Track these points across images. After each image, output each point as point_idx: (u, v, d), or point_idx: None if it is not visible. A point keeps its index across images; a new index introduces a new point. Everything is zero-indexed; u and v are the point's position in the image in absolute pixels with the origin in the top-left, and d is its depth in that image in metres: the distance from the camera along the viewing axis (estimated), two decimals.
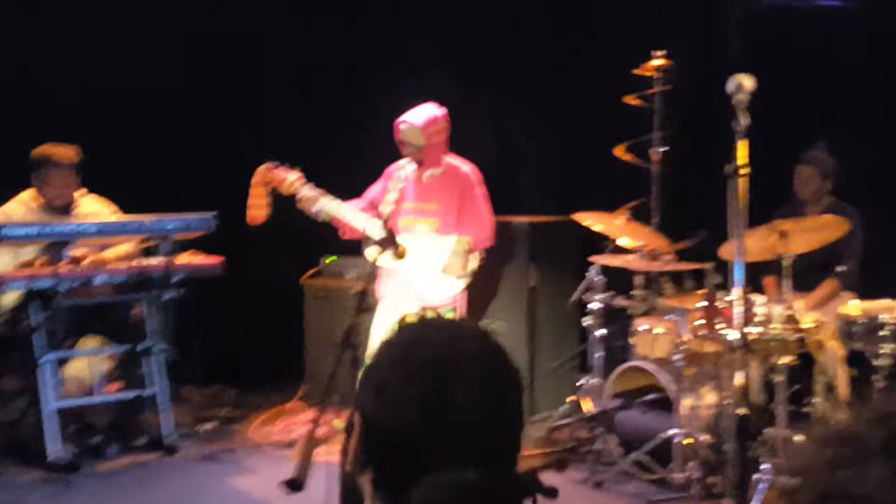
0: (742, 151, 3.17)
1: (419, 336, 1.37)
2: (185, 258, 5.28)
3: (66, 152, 5.25)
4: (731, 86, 3.24)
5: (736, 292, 3.41)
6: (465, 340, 1.36)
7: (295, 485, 3.61)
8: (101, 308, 5.25)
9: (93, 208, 5.40)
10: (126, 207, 5.44)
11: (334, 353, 3.85)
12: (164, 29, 6.38)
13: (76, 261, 5.01)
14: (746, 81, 3.22)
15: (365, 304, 3.97)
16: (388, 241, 4.32)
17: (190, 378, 6.05)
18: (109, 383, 5.27)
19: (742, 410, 3.55)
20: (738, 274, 3.31)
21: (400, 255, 4.58)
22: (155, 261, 5.19)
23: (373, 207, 5.06)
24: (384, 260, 4.80)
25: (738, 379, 3.60)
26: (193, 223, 5.21)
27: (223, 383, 6.32)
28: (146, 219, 5.18)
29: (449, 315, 5.24)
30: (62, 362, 5.11)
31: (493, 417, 1.32)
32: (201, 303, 5.56)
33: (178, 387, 5.73)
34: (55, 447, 4.85)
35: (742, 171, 3.15)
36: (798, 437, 4.23)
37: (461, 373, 1.31)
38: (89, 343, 5.26)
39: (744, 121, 3.18)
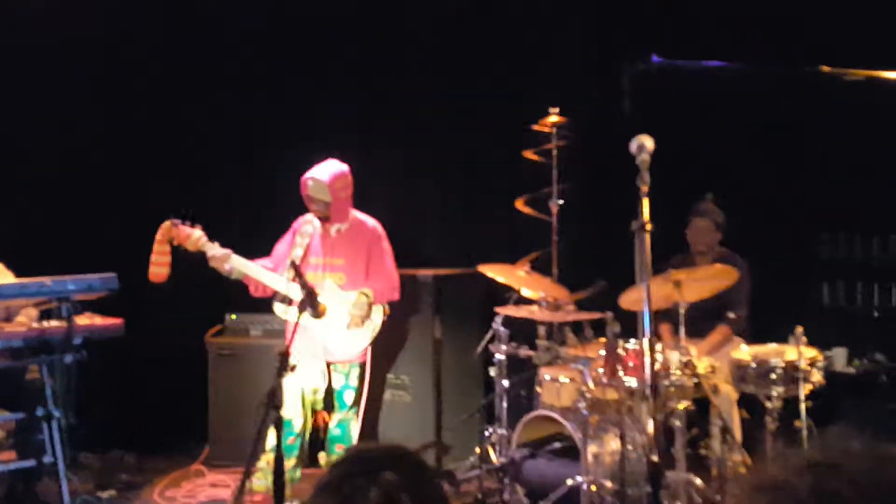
0: (646, 208, 3.28)
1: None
2: (86, 320, 5.20)
3: None
4: (634, 146, 3.35)
5: (645, 342, 3.47)
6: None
7: None
8: None
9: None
10: (24, 272, 5.33)
11: (258, 414, 3.85)
12: (59, 88, 6.30)
13: None
14: (647, 142, 3.34)
15: (286, 364, 3.97)
16: (309, 301, 4.33)
17: (89, 444, 5.93)
18: (3, 452, 5.13)
19: (654, 457, 3.64)
20: (646, 323, 3.37)
21: (320, 314, 4.65)
22: (55, 323, 5.09)
23: (281, 264, 5.11)
24: (291, 315, 4.85)
25: (648, 426, 3.68)
26: (95, 284, 5.11)
27: (124, 448, 6.22)
28: (46, 280, 5.09)
29: (355, 371, 5.32)
30: None
31: None
32: (102, 366, 5.46)
33: (76, 453, 5.62)
34: None
35: (647, 227, 3.25)
36: (699, 482, 4.41)
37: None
38: None
39: (646, 179, 3.30)
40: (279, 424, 3.93)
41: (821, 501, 1.11)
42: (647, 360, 3.35)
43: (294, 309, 4.83)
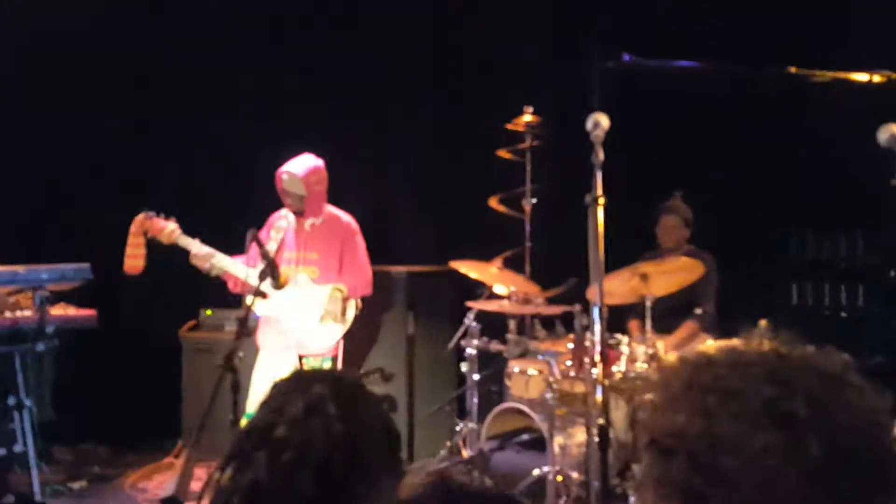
0: (599, 182, 3.29)
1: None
2: (59, 310, 5.22)
3: None
4: (589, 124, 3.37)
5: (596, 320, 3.45)
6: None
7: (173, 502, 3.65)
8: None
9: None
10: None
11: (215, 375, 3.87)
12: (36, 77, 6.33)
13: None
14: (603, 120, 3.36)
15: (246, 328, 4.03)
16: (270, 270, 4.41)
17: (61, 436, 5.94)
18: None
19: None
20: (597, 310, 3.39)
21: (281, 284, 4.69)
22: (28, 312, 5.11)
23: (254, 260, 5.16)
24: (262, 308, 4.91)
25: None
26: (68, 273, 5.16)
27: (96, 441, 6.23)
28: (20, 269, 5.13)
29: (327, 364, 5.37)
30: None
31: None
32: (74, 357, 5.51)
33: (48, 445, 5.61)
34: None
35: (600, 201, 3.27)
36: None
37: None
38: None
39: (601, 154, 3.33)
40: (236, 387, 3.97)
41: (783, 426, 1.03)
42: (598, 340, 3.38)
43: (266, 302, 4.90)
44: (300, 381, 1.36)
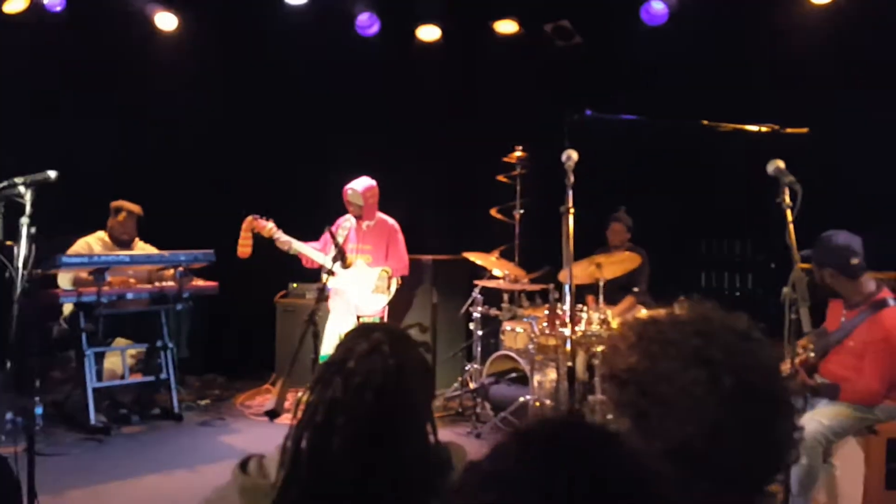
0: (570, 197, 3.26)
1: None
2: (192, 282, 5.28)
3: (136, 206, 5.31)
4: (564, 156, 3.36)
5: (567, 299, 3.39)
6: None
7: (273, 413, 3.67)
8: (131, 316, 5.20)
9: (144, 250, 5.39)
10: (157, 245, 5.42)
11: (301, 329, 3.89)
12: (183, 118, 6.28)
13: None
14: (573, 154, 3.36)
15: (322, 296, 4.05)
16: (339, 255, 4.42)
17: (192, 368, 6.00)
18: (134, 371, 5.21)
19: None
20: (567, 287, 3.36)
21: (347, 265, 4.73)
22: (171, 283, 5.19)
23: (326, 248, 5.20)
24: (333, 283, 4.94)
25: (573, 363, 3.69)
26: (199, 256, 5.22)
27: (216, 372, 6.27)
28: (165, 253, 5.21)
29: (376, 321, 5.40)
30: (101, 355, 5.05)
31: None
32: (202, 314, 5.55)
33: (183, 375, 5.69)
34: (94, 416, 4.79)
35: (571, 210, 3.23)
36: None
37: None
38: (121, 342, 5.20)
39: (571, 178, 3.29)
40: (316, 336, 4.00)
41: (706, 364, 1.01)
42: (568, 308, 3.35)
43: (335, 279, 4.94)
44: (364, 330, 1.36)
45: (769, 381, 1.02)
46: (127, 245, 5.29)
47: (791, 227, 2.78)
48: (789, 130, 3.49)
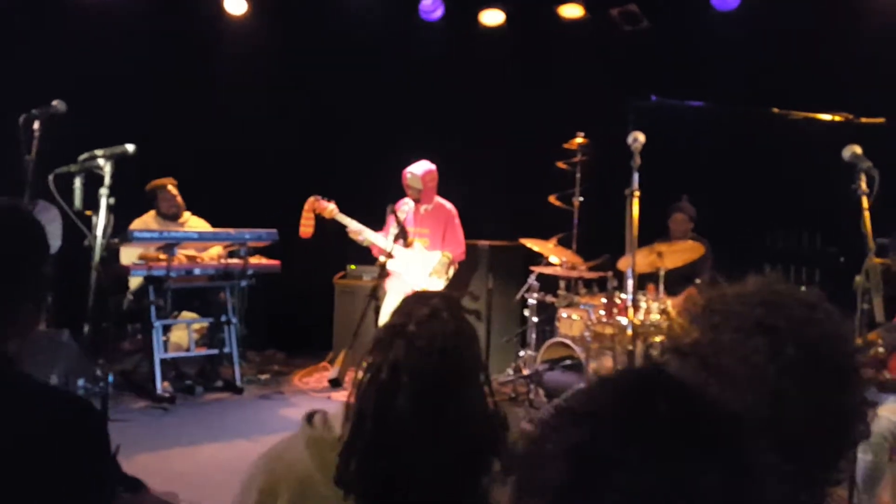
0: (636, 180, 3.22)
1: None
2: (255, 260, 5.41)
3: (169, 180, 5.46)
4: (630, 138, 3.33)
5: (629, 291, 3.37)
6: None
7: (335, 382, 3.77)
8: (197, 291, 5.34)
9: (196, 224, 5.56)
10: (215, 224, 5.56)
11: (364, 303, 3.97)
12: (253, 110, 6.40)
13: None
14: (640, 136, 3.33)
15: (382, 275, 4.13)
16: (401, 233, 4.46)
17: (254, 343, 6.12)
18: (199, 344, 5.38)
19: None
20: (629, 272, 3.30)
21: (409, 244, 4.76)
22: (235, 260, 5.31)
23: (386, 228, 5.21)
24: (391, 265, 4.98)
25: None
26: (263, 235, 5.34)
27: (276, 348, 6.40)
28: (231, 231, 5.34)
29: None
30: (168, 328, 5.22)
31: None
32: (265, 291, 5.67)
33: (245, 349, 5.79)
34: (160, 386, 4.96)
35: (636, 194, 3.20)
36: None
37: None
38: (187, 316, 5.36)
39: (638, 160, 3.27)
40: (377, 310, 4.05)
41: (767, 332, 0.98)
42: (630, 305, 3.31)
43: (394, 261, 4.97)
44: (424, 297, 1.39)
45: (836, 351, 0.99)
46: (176, 218, 5.45)
47: (867, 214, 2.68)
48: (864, 120, 3.36)
